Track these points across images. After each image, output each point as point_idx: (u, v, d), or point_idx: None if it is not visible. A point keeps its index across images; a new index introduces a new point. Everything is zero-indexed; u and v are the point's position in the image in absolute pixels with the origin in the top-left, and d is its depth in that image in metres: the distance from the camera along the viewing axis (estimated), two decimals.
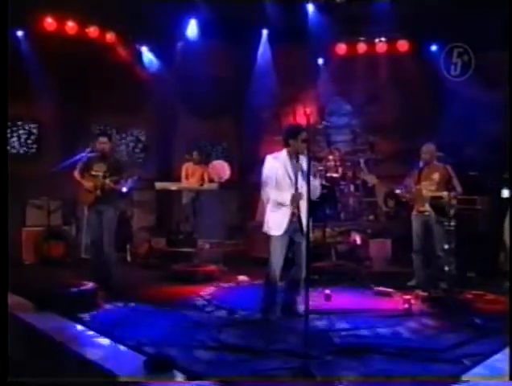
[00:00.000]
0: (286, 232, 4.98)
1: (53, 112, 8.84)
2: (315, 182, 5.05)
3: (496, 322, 4.84)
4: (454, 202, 6.27)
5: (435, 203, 6.39)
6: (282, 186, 4.94)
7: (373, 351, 4.11)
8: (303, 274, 4.97)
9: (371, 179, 6.59)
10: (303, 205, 4.91)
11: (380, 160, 8.92)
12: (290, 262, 5.12)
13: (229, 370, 3.73)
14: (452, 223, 6.41)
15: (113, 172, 6.40)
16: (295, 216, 4.98)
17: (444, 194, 6.32)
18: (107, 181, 6.33)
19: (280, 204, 4.94)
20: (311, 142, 8.94)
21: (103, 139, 6.52)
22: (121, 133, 9.89)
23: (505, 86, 6.67)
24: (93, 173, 6.42)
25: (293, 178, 4.95)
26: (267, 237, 5.07)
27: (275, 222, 5.00)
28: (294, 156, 5.01)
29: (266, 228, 5.10)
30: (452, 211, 6.24)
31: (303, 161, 4.97)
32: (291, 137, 5.02)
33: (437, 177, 6.45)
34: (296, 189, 4.91)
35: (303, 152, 4.97)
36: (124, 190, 6.46)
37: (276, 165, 4.99)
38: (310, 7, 9.62)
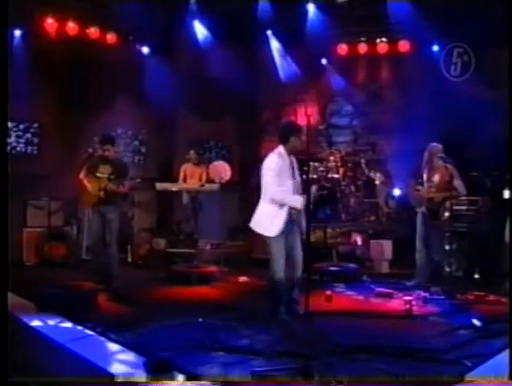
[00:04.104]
0: (283, 232, 4.86)
1: (54, 112, 8.83)
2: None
3: (497, 323, 4.81)
4: (448, 204, 6.26)
5: (430, 204, 6.38)
6: (286, 186, 4.78)
7: (375, 352, 4.09)
8: (300, 275, 4.95)
9: (378, 178, 6.58)
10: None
11: (381, 160, 8.90)
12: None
13: (229, 370, 3.72)
14: (453, 224, 6.42)
15: (117, 174, 6.42)
16: (291, 217, 4.87)
17: (436, 195, 6.31)
18: (111, 183, 6.35)
19: (284, 206, 4.74)
20: (312, 143, 9.05)
21: (107, 146, 6.51)
22: (121, 133, 9.87)
23: (505, 85, 6.65)
24: (99, 175, 6.43)
25: (298, 178, 4.87)
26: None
27: (273, 223, 4.85)
28: (291, 154, 4.91)
29: (261, 229, 4.94)
30: (445, 214, 6.23)
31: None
32: (292, 134, 4.87)
33: (437, 178, 6.43)
34: (303, 191, 4.81)
35: (298, 150, 4.87)
36: (126, 192, 6.47)
37: (281, 164, 4.81)
38: (311, 7, 9.61)
